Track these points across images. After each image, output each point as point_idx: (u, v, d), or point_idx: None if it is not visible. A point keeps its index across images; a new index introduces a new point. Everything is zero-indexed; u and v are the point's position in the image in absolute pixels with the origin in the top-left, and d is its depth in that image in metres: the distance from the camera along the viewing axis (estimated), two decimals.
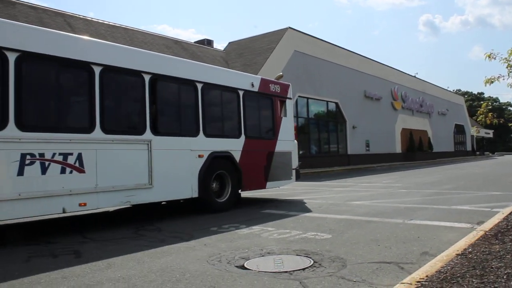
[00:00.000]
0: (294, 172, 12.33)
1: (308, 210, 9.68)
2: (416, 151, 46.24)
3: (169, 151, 8.76)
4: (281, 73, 14.17)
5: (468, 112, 69.04)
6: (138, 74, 8.41)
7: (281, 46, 29.83)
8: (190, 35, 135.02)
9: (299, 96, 30.61)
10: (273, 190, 14.60)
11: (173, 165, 8.80)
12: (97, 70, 7.64)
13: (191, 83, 9.50)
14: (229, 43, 35.13)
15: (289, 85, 12.78)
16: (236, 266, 4.98)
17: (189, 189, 9.13)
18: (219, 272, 4.76)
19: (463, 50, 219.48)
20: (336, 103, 34.81)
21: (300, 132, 31.18)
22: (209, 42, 35.18)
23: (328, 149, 34.62)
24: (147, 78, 8.50)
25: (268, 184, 11.36)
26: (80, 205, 7.17)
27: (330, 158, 33.57)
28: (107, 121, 7.75)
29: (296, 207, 10.38)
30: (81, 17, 26.32)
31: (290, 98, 12.58)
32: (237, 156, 10.38)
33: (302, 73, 30.83)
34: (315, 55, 32.52)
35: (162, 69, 8.90)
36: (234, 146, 10.40)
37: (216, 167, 9.84)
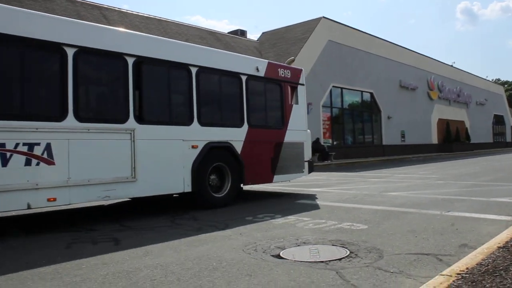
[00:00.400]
0: (306, 164, 11.35)
1: (343, 201, 9.61)
2: (453, 142, 45.23)
3: (156, 141, 8.05)
4: (292, 57, 13.10)
5: (508, 102, 67.01)
6: (119, 56, 7.68)
7: (315, 36, 29.59)
8: (224, 26, 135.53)
9: (333, 86, 30.40)
10: (306, 181, 14.56)
11: (161, 156, 8.10)
12: (70, 52, 6.96)
13: (184, 67, 8.73)
14: (263, 33, 35.07)
15: (302, 70, 11.82)
16: (272, 255, 4.99)
17: (180, 183, 8.40)
18: (255, 261, 4.78)
19: (503, 38, 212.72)
20: (371, 93, 34.37)
21: (334, 122, 30.99)
22: (242, 33, 35.24)
23: (362, 139, 34.25)
24: (130, 61, 7.78)
25: (276, 177, 10.46)
26: (48, 200, 6.56)
27: (364, 148, 33.23)
28: (82, 108, 7.12)
29: (331, 197, 10.32)
30: (116, 9, 26.74)
31: (302, 84, 11.56)
32: (238, 147, 9.57)
33: (336, 63, 30.55)
34: (349, 44, 32.14)
35: (149, 51, 8.16)
36: (235, 136, 9.59)
37: (213, 159, 9.10)
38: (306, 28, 30.51)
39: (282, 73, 10.96)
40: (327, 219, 7.28)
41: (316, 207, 8.81)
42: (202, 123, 8.89)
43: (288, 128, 10.87)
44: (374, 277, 4.09)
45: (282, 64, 11.76)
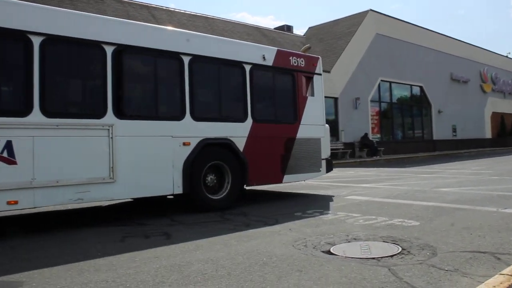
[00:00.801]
0: (324, 162, 10.30)
1: (393, 197, 9.43)
2: (508, 136, 43.46)
3: (139, 138, 7.32)
4: (308, 45, 11.84)
5: None
6: (96, 45, 7.01)
7: (362, 30, 29.16)
8: (269, 22, 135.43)
9: (381, 80, 29.89)
10: (355, 177, 14.38)
11: (145, 155, 7.36)
12: (36, 41, 6.37)
13: (173, 56, 7.94)
14: (309, 28, 34.89)
15: (318, 58, 10.64)
16: (322, 251, 4.96)
17: (169, 184, 7.64)
18: (305, 256, 4.76)
19: None
20: (421, 87, 33.54)
21: (383, 117, 30.43)
22: (288, 28, 35.16)
23: (412, 134, 33.50)
24: (109, 50, 7.08)
25: (286, 177, 9.49)
26: (8, 203, 5.94)
27: (414, 143, 32.48)
28: (50, 102, 6.48)
29: (381, 193, 10.14)
30: (164, 8, 27.23)
31: (319, 74, 10.45)
32: (240, 144, 8.67)
33: (385, 57, 30.00)
34: (398, 37, 31.46)
35: (131, 39, 7.44)
36: (237, 132, 8.70)
37: (209, 158, 8.28)
38: (353, 22, 30.09)
39: (295, 62, 9.93)
40: (377, 215, 7.16)
41: (366, 203, 8.68)
42: (196, 117, 8.09)
43: (301, 123, 9.87)
44: (428, 275, 3.99)
45: (294, 52, 10.82)
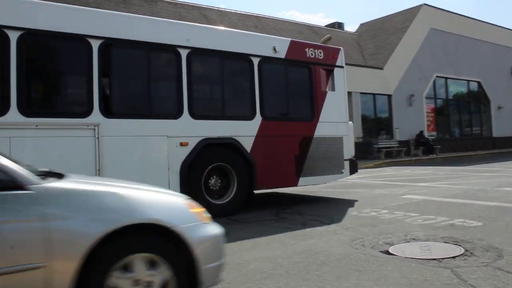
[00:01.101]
0: (347, 164, 9.43)
1: (452, 196, 9.13)
2: None
3: (129, 138, 6.82)
4: (329, 35, 10.49)
5: None
6: (81, 39, 6.55)
7: (415, 25, 28.42)
8: (319, 20, 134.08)
9: (437, 76, 29.04)
10: (411, 175, 14.04)
11: (136, 157, 6.89)
12: (13, 35, 6.00)
13: (169, 49, 7.42)
14: (361, 24, 34.32)
15: (340, 49, 9.74)
16: (381, 251, 4.89)
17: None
18: (363, 256, 4.71)
19: None
20: (478, 82, 32.28)
21: (439, 114, 29.57)
22: (339, 25, 34.75)
23: (470, 131, 32.30)
24: (95, 44, 6.63)
25: (302, 180, 8.72)
26: None
27: (472, 141, 31.31)
28: (29, 100, 6.17)
29: (439, 192, 9.85)
30: (215, 8, 27.57)
31: (341, 67, 9.56)
32: (247, 144, 8.01)
33: (440, 52, 29.12)
34: (453, 31, 30.42)
35: (121, 32, 6.95)
36: (244, 131, 8.04)
37: (211, 159, 7.69)
38: (406, 17, 29.37)
39: (311, 54, 9.11)
40: (436, 215, 6.97)
41: (424, 202, 8.46)
42: (195, 115, 7.52)
43: (320, 120, 9.04)
44: (494, 278, 3.85)
45: (311, 43, 9.93)
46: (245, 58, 8.24)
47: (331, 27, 34.02)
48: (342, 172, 9.37)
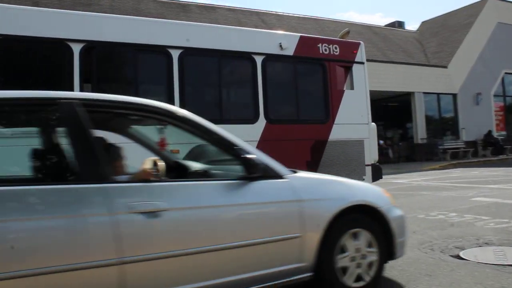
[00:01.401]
0: (369, 169, 8.39)
1: None
2: None
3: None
4: (347, 29, 8.94)
5: None
6: (60, 43, 6.16)
7: (481, 20, 27.25)
8: (378, 19, 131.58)
9: (505, 73, 27.70)
10: (480, 177, 13.43)
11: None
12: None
13: (160, 51, 6.91)
14: (422, 22, 33.33)
15: (359, 43, 8.77)
16: (451, 256, 4.69)
17: None
18: (433, 260, 4.54)
19: None
20: None
21: (509, 112, 28.21)
22: (400, 24, 33.92)
23: None
24: (76, 48, 6.21)
25: None
26: None
27: None
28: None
29: (511, 194, 9.37)
30: (273, 13, 27.64)
31: (361, 63, 8.61)
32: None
33: (508, 47, 27.74)
34: None
35: (105, 34, 6.52)
36: (244, 135, 6.73)
37: None
38: (471, 12, 28.23)
39: (325, 50, 8.26)
40: (510, 218, 6.62)
41: (495, 205, 8.06)
42: None
43: (335, 122, 8.15)
44: None
45: (325, 38, 9.05)
46: (246, 56, 7.64)
47: (391, 26, 33.28)
48: (363, 179, 8.26)
